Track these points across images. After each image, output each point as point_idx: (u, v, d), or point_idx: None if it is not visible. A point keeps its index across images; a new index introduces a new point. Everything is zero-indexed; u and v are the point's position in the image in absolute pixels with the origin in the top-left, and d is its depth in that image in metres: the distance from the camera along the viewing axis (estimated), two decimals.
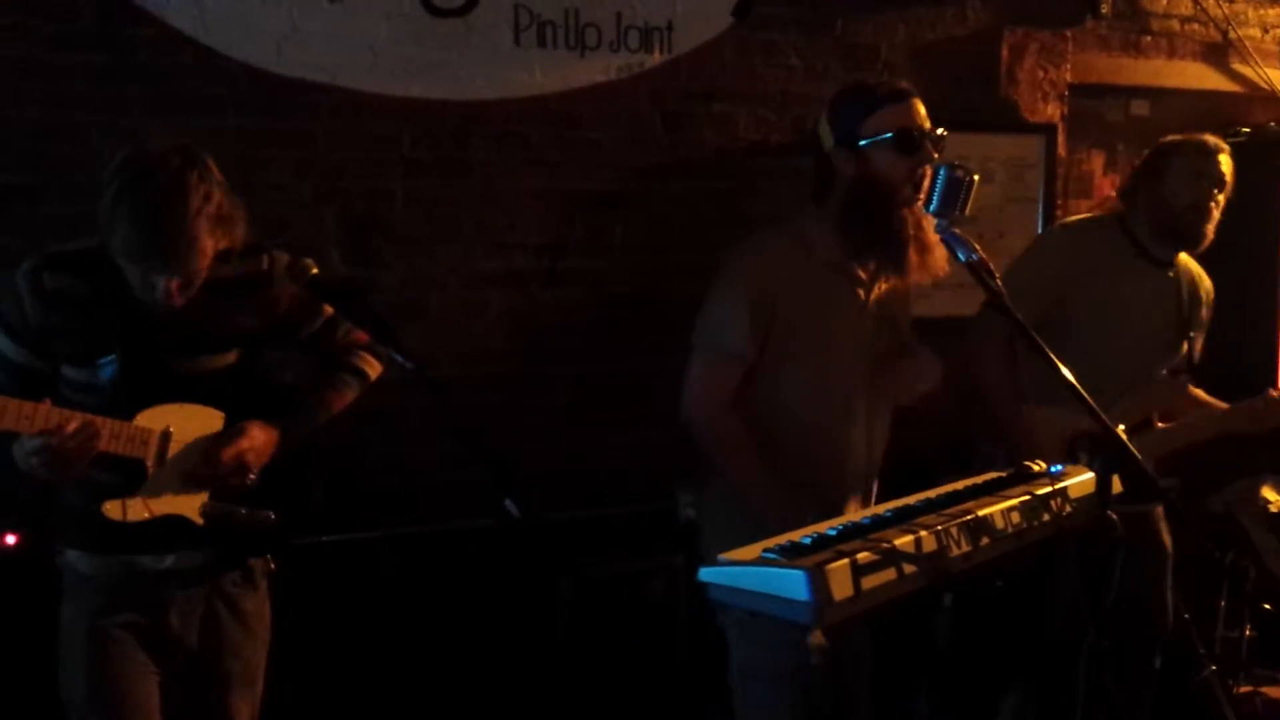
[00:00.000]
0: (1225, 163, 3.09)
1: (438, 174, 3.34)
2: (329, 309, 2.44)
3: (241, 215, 2.26)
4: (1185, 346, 3.19)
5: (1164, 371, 3.18)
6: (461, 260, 3.39)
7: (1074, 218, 3.58)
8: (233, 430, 2.35)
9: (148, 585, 2.34)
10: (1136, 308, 3.08)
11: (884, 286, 2.63)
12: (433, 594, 3.01)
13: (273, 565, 2.48)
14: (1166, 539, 3.20)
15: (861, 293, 2.60)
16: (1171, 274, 3.16)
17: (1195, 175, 3.06)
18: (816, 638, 2.46)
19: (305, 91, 3.16)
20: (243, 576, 2.46)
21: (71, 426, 2.13)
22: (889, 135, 2.47)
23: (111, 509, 2.27)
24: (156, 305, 2.23)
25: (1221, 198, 3.09)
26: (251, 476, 2.37)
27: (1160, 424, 3.14)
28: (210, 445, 2.33)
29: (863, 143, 2.49)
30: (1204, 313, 3.26)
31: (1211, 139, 3.15)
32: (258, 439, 2.36)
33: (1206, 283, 3.28)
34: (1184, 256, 3.19)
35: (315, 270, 2.25)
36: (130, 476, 2.27)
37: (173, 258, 2.15)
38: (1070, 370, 2.11)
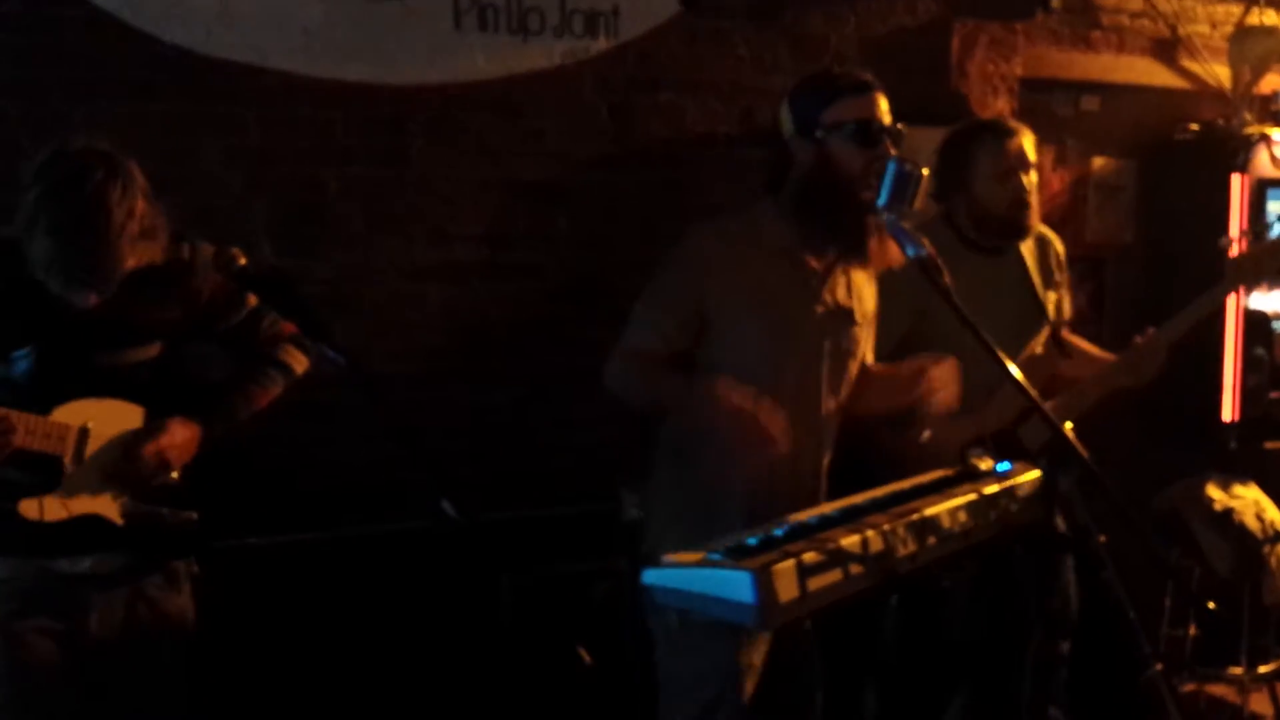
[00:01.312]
0: (1024, 141, 3.01)
1: (374, 162, 3.25)
2: (253, 300, 2.38)
3: (163, 223, 2.22)
4: (1052, 313, 3.16)
5: (1038, 349, 3.15)
6: (399, 251, 3.30)
7: None
8: (153, 426, 2.28)
9: (65, 589, 2.27)
10: (981, 301, 3.04)
11: (840, 278, 2.58)
12: (369, 598, 2.94)
13: (196, 567, 2.40)
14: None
15: (813, 284, 2.56)
16: (1007, 256, 3.09)
17: (1004, 173, 2.98)
18: (748, 657, 2.43)
19: (236, 75, 3.07)
20: (165, 579, 2.38)
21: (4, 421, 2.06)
22: (849, 126, 2.44)
23: (28, 508, 2.19)
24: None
25: (1033, 177, 3.02)
26: (174, 474, 2.30)
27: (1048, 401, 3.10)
28: (131, 442, 2.26)
29: (822, 132, 2.46)
30: (1057, 275, 3.22)
31: (1003, 122, 3.09)
32: (179, 435, 2.30)
33: (1055, 243, 3.23)
34: None
35: (243, 261, 2.18)
36: (46, 475, 2.20)
37: (95, 277, 2.12)
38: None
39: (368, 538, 2.98)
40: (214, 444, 2.35)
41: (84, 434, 2.22)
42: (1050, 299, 3.18)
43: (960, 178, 3.03)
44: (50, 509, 2.20)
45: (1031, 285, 3.12)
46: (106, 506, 2.26)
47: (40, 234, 2.09)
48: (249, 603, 2.72)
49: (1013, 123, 3.09)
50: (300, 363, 2.49)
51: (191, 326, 2.37)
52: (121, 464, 2.25)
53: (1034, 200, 3.03)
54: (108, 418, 2.26)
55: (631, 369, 2.52)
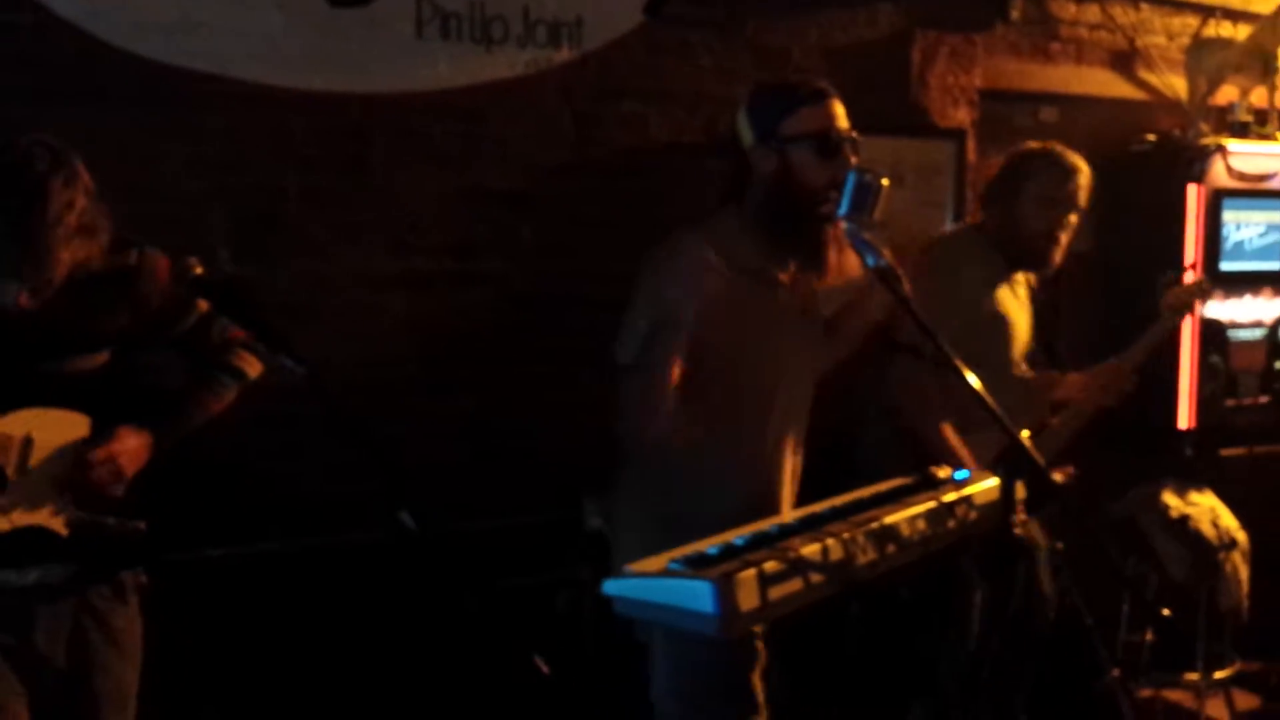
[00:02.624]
0: (1082, 182, 3.06)
1: (335, 170, 3.23)
2: (203, 305, 2.34)
3: (106, 225, 2.18)
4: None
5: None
6: (360, 261, 3.28)
7: (947, 231, 3.52)
8: (103, 434, 2.24)
9: (10, 602, 2.22)
10: (1015, 319, 3.11)
11: (807, 288, 2.59)
12: (327, 610, 2.91)
13: (144, 579, 2.37)
14: (1037, 534, 3.16)
15: (782, 299, 2.56)
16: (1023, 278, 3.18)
17: (1050, 201, 3.02)
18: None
19: (195, 83, 3.04)
20: (112, 591, 2.34)
21: None
22: (809, 137, 2.45)
23: None
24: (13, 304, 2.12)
25: (1074, 218, 3.07)
26: (123, 484, 2.25)
27: (1053, 421, 3.16)
28: (80, 451, 2.22)
29: (781, 143, 2.46)
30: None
31: (1071, 156, 3.11)
32: (130, 443, 2.26)
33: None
34: None
35: (199, 270, 2.16)
36: None
37: (25, 267, 2.06)
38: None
39: (326, 549, 2.95)
40: (165, 452, 2.31)
41: (28, 443, 2.18)
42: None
43: (1006, 203, 3.06)
44: None
45: (1037, 308, 3.21)
46: (50, 518, 2.22)
47: None
48: (206, 615, 2.69)
49: (1079, 160, 3.10)
50: (253, 367, 2.46)
51: (141, 333, 2.33)
52: (72, 474, 2.21)
53: (1064, 243, 3.08)
54: (52, 427, 2.22)
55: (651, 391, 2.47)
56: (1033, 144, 3.19)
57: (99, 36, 2.94)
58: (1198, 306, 3.68)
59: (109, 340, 2.29)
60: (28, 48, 2.90)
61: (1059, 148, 3.15)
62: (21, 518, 2.19)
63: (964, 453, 2.91)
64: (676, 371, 2.45)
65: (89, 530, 2.25)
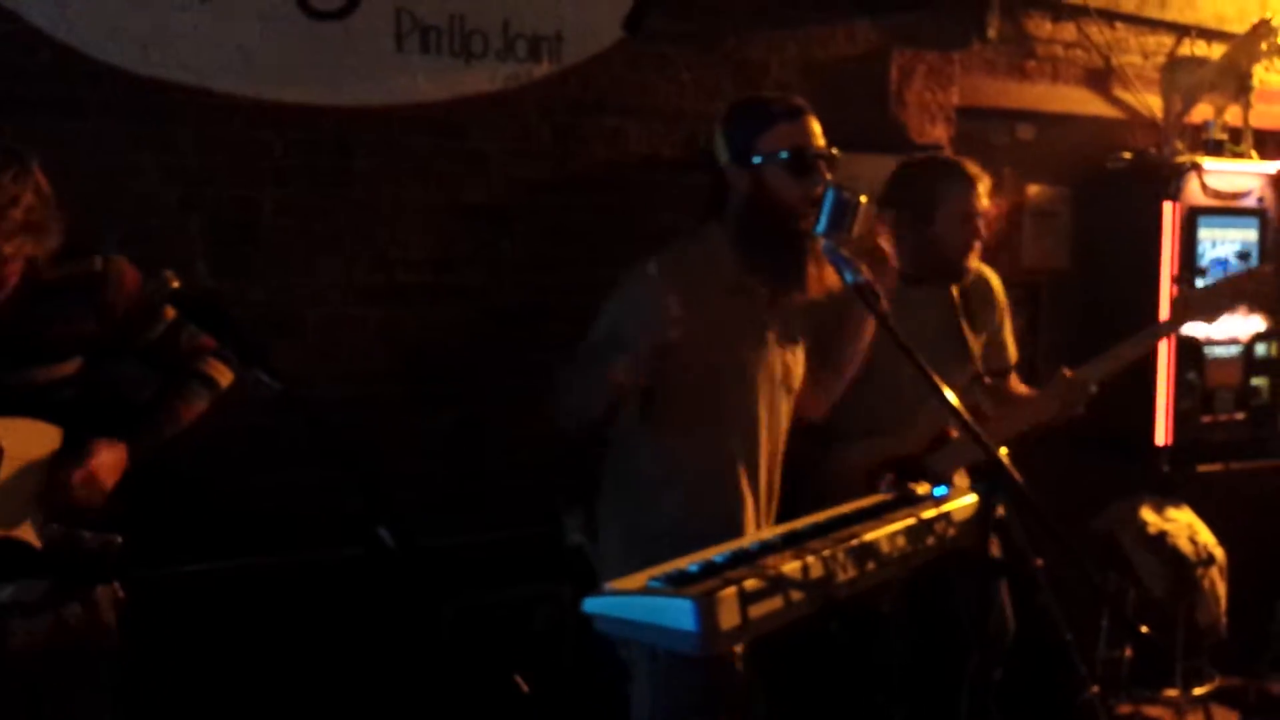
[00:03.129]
0: (984, 191, 3.03)
1: (314, 183, 3.21)
2: (171, 312, 2.32)
3: (58, 229, 2.14)
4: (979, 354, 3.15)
5: (970, 380, 3.15)
6: (339, 274, 3.26)
7: None
8: (78, 449, 2.21)
9: None
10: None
11: (786, 304, 2.59)
12: (306, 625, 2.88)
13: (120, 594, 2.34)
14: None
15: (764, 314, 2.56)
16: (935, 290, 3.08)
17: (964, 218, 2.99)
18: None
19: (172, 94, 3.01)
20: (86, 606, 2.30)
21: None
22: (784, 154, 2.45)
23: None
24: None
25: (983, 232, 3.04)
26: (102, 499, 2.22)
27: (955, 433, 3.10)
28: (56, 466, 2.19)
29: (757, 159, 2.46)
30: (996, 315, 3.22)
31: (970, 167, 3.06)
32: (107, 457, 2.23)
33: (993, 280, 3.23)
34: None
35: (176, 284, 2.12)
36: None
37: None
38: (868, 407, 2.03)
39: (304, 565, 2.92)
40: (140, 464, 2.29)
41: None
42: (979, 340, 3.15)
43: (919, 225, 3.00)
44: None
45: (957, 325, 3.10)
46: (25, 531, 2.19)
47: None
48: (183, 631, 2.66)
49: (975, 168, 3.07)
50: (224, 375, 2.43)
51: (108, 342, 2.30)
52: (49, 490, 2.18)
53: (978, 249, 3.04)
54: (21, 438, 2.18)
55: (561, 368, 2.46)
56: (917, 157, 3.15)
57: (74, 47, 2.91)
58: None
59: (76, 348, 2.26)
60: (2, 57, 2.88)
61: (947, 158, 3.11)
62: (10, 529, 2.16)
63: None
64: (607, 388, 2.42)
65: (64, 544, 2.22)
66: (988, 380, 3.18)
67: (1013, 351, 3.28)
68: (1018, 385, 3.28)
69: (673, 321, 2.26)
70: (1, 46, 2.87)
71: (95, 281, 2.27)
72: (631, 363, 2.30)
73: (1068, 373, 3.02)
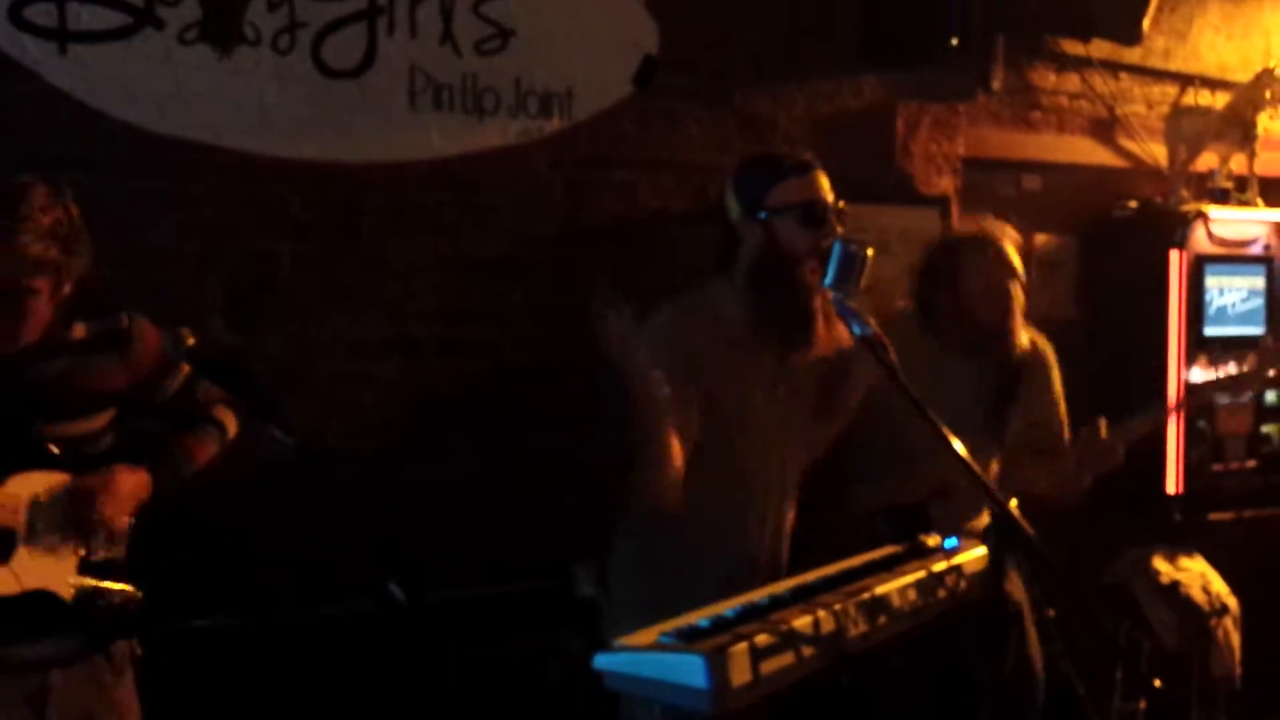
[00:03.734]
0: (1011, 251, 3.03)
1: (328, 238, 3.25)
2: (186, 367, 2.37)
3: (87, 250, 2.21)
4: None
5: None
6: (351, 327, 3.29)
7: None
8: (101, 475, 2.23)
9: (27, 678, 2.20)
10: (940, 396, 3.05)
11: (799, 359, 2.60)
12: (316, 681, 2.87)
13: (139, 650, 2.35)
14: (1017, 591, 3.12)
15: (772, 365, 2.57)
16: (982, 363, 3.07)
17: (995, 286, 2.99)
18: None
19: (189, 152, 3.06)
20: (110, 660, 2.32)
21: None
22: (794, 208, 2.48)
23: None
24: (17, 366, 2.14)
25: (1018, 284, 3.04)
26: (127, 522, 2.26)
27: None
28: (77, 487, 2.21)
29: (766, 214, 2.49)
30: (1050, 396, 3.20)
31: (990, 230, 3.07)
32: (128, 481, 2.26)
33: (1051, 368, 3.22)
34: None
35: (192, 341, 2.17)
36: None
37: None
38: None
39: (315, 620, 2.92)
40: (159, 500, 2.32)
41: (35, 505, 2.19)
42: (1020, 419, 3.13)
43: (948, 297, 3.02)
44: (3, 582, 2.15)
45: (992, 399, 3.08)
46: (57, 580, 2.21)
47: None
48: (192, 688, 2.65)
49: (1000, 229, 3.07)
50: (232, 422, 2.47)
51: (134, 396, 2.35)
52: (71, 515, 2.21)
53: (1018, 310, 3.03)
54: (57, 491, 2.22)
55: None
56: (943, 238, 3.20)
57: (94, 106, 2.96)
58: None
59: (108, 402, 2.31)
60: (23, 116, 2.92)
61: (982, 232, 3.09)
62: (31, 580, 2.18)
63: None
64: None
65: (91, 594, 2.24)
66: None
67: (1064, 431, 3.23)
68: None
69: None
70: (22, 105, 2.92)
71: (124, 338, 2.33)
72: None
73: (1091, 435, 3.03)
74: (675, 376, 2.44)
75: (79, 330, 2.27)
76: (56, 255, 2.15)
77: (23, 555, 2.18)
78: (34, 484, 2.20)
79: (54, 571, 2.22)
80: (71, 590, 2.22)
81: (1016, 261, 3.04)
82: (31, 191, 2.12)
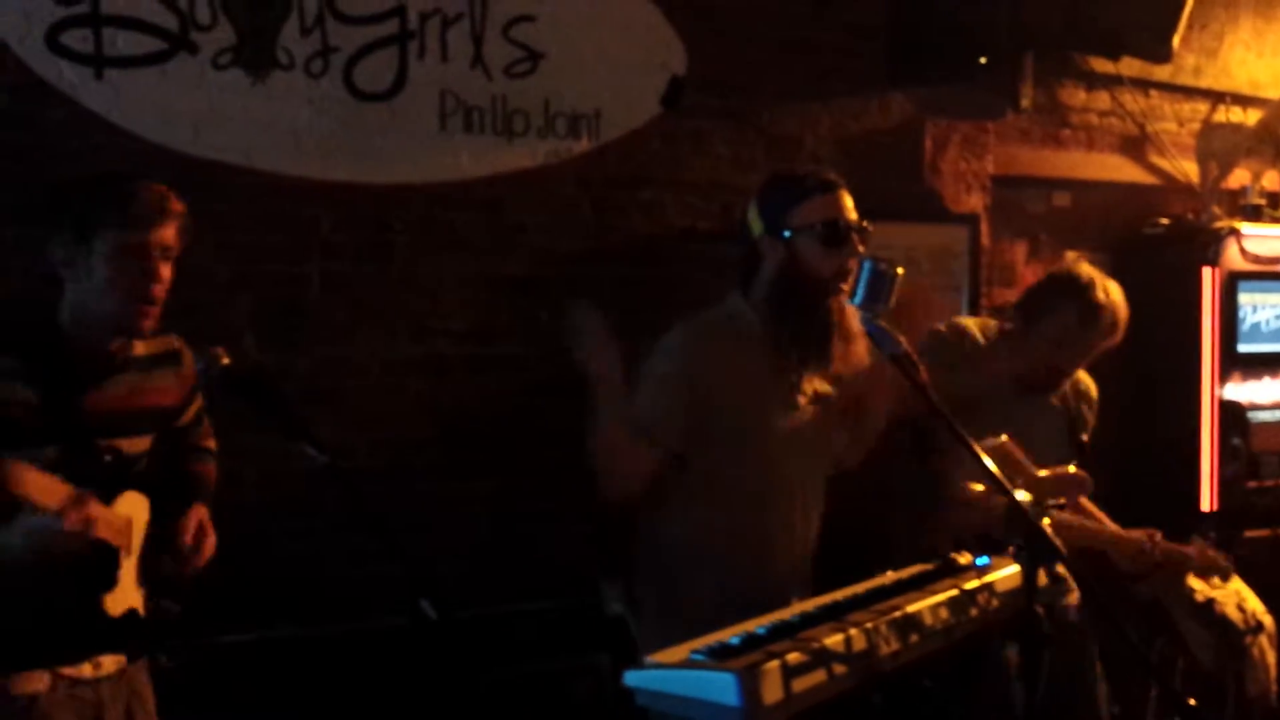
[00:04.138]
0: (1108, 322, 3.02)
1: (358, 258, 3.28)
2: (200, 400, 2.44)
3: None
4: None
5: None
6: (382, 346, 3.31)
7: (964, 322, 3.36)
8: (192, 517, 2.30)
9: (87, 695, 2.22)
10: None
11: (818, 375, 2.61)
12: (344, 697, 2.88)
13: (167, 663, 2.37)
14: (1090, 646, 3.14)
15: (793, 379, 2.58)
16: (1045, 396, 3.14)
17: (1084, 345, 3.03)
18: None
19: (222, 173, 3.10)
20: (145, 672, 2.36)
21: (92, 507, 2.04)
22: (816, 227, 2.48)
23: (111, 602, 2.17)
24: (90, 378, 2.16)
25: (1094, 351, 3.06)
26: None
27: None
28: (174, 540, 2.26)
29: (789, 233, 2.50)
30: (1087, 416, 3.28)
31: (1102, 292, 3.03)
32: (206, 518, 2.32)
33: (1090, 386, 3.30)
34: None
35: (226, 360, 2.19)
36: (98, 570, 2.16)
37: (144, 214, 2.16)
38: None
39: (344, 636, 2.93)
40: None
41: (130, 526, 2.22)
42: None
43: (1035, 334, 3.05)
44: (114, 603, 2.19)
45: (1066, 434, 3.17)
46: (137, 600, 2.25)
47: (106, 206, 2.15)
48: (221, 704, 2.67)
49: (1110, 289, 3.06)
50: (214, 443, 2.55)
51: (176, 416, 2.39)
52: (175, 566, 2.27)
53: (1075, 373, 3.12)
54: (137, 509, 2.26)
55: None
56: (1070, 270, 3.10)
57: (128, 129, 3.00)
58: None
59: (160, 422, 2.35)
60: (57, 140, 2.96)
61: (1096, 279, 3.05)
62: (131, 600, 2.23)
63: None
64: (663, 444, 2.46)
65: (160, 614, 2.28)
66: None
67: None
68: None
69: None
70: (57, 130, 2.96)
71: (175, 357, 2.38)
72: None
73: (1158, 536, 3.19)
74: (684, 393, 2.46)
75: (139, 347, 2.30)
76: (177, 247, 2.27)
77: (125, 575, 2.21)
78: (134, 505, 2.24)
79: (137, 591, 2.25)
80: (149, 608, 2.26)
81: (1115, 329, 3.05)
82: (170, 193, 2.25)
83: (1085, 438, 3.29)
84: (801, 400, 2.60)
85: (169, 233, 2.21)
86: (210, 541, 2.29)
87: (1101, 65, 4.45)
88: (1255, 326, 4.31)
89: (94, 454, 2.20)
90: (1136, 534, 3.18)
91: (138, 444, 2.29)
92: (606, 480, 2.51)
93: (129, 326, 2.22)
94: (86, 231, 2.14)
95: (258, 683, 2.80)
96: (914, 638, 2.13)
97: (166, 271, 2.21)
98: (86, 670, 2.21)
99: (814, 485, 2.66)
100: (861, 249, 2.49)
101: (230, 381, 2.18)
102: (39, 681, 2.14)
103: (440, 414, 3.39)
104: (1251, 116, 4.67)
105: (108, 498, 2.16)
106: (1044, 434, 3.07)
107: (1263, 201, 4.46)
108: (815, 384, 2.63)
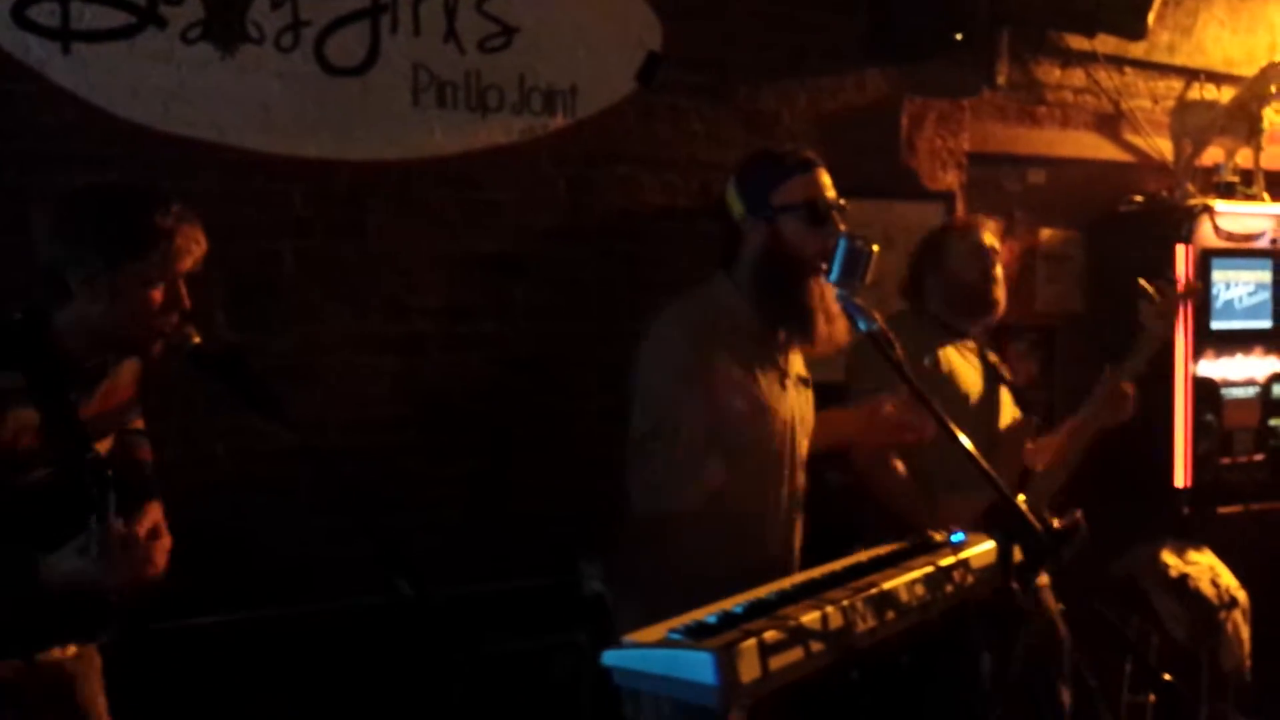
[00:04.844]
0: (991, 237, 3.27)
1: (331, 235, 3.24)
2: (140, 423, 2.38)
3: None
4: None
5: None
6: (355, 324, 3.28)
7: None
8: (146, 520, 2.19)
9: (56, 678, 2.19)
10: (964, 379, 3.17)
11: (803, 353, 2.62)
12: (322, 678, 2.87)
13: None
14: (1060, 626, 3.15)
15: (778, 357, 2.58)
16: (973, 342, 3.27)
17: (974, 250, 3.21)
18: None
19: (192, 149, 3.06)
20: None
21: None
22: (798, 207, 2.48)
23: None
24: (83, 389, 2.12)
25: (1000, 269, 3.24)
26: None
27: (1039, 466, 3.17)
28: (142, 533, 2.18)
29: (772, 213, 2.49)
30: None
31: (971, 219, 3.39)
32: (161, 519, 2.23)
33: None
34: None
35: (197, 339, 2.17)
36: None
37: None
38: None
39: (319, 615, 2.91)
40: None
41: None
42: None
43: (935, 270, 3.23)
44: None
45: (999, 370, 3.27)
46: None
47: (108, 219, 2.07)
48: (197, 685, 2.65)
49: (981, 219, 3.35)
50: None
51: (136, 407, 2.33)
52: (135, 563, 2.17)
53: (1002, 283, 3.23)
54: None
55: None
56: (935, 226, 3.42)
57: (97, 105, 2.97)
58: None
59: (125, 414, 2.29)
60: (27, 115, 2.93)
61: (963, 218, 3.46)
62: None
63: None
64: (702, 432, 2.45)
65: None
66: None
67: None
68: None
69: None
70: (26, 105, 2.93)
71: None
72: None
73: (1110, 372, 3.28)
74: (696, 387, 2.44)
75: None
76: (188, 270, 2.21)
77: None
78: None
79: None
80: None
81: (997, 245, 3.27)
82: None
83: (1008, 376, 3.37)
84: (787, 378, 2.60)
85: (195, 262, 2.17)
86: (165, 543, 2.18)
87: (1077, 42, 4.45)
88: (1229, 304, 4.34)
89: (96, 469, 2.11)
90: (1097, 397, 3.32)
91: (104, 445, 2.22)
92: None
93: (143, 350, 2.18)
94: (116, 259, 2.06)
95: (231, 663, 2.78)
96: (890, 615, 2.14)
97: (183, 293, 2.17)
98: (55, 652, 2.18)
99: (800, 460, 2.67)
100: (842, 227, 2.48)
101: (201, 361, 2.16)
102: (9, 669, 2.11)
103: (416, 392, 3.37)
104: (1225, 94, 4.68)
105: (131, 512, 2.12)
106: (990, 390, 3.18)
107: (1236, 179, 4.47)
108: (796, 365, 2.63)
